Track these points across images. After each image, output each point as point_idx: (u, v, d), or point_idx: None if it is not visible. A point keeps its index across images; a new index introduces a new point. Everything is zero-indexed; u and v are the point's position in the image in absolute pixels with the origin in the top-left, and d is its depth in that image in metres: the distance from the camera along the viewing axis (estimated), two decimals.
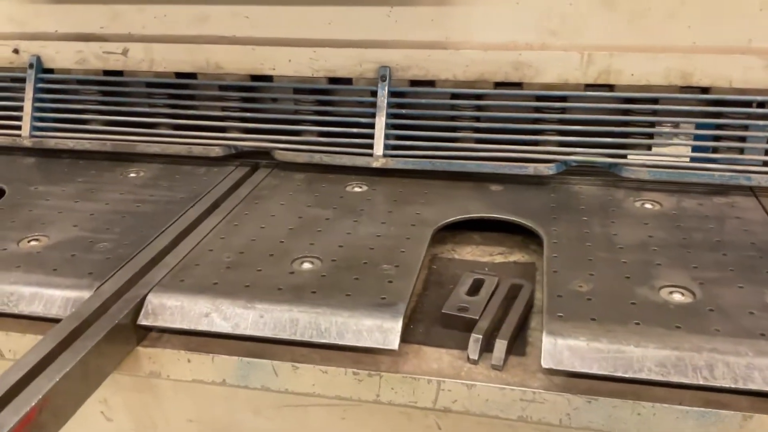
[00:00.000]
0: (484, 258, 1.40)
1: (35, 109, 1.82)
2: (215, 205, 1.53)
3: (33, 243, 1.35)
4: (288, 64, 1.70)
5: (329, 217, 1.45)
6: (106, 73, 1.82)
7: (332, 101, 1.77)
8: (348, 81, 1.70)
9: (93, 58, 1.79)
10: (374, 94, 1.66)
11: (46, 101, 1.84)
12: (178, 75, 1.78)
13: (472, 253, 1.42)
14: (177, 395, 1.26)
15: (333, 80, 1.71)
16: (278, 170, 1.71)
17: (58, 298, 1.18)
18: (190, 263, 1.27)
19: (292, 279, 1.22)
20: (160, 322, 1.14)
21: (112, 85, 1.84)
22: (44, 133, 1.82)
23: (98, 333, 1.07)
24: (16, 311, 1.18)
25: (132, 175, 1.70)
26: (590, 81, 1.57)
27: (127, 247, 1.33)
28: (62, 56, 1.81)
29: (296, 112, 1.76)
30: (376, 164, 1.64)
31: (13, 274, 1.24)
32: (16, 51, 1.83)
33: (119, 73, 1.81)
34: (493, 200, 1.51)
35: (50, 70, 1.84)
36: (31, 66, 1.82)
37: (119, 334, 1.10)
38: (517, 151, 1.60)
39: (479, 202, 1.50)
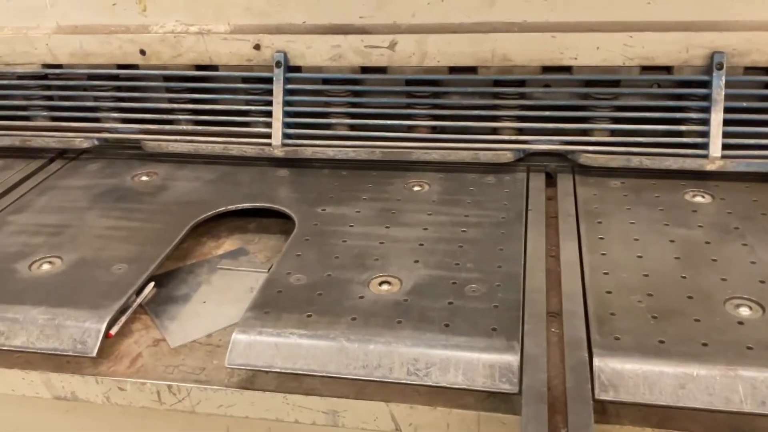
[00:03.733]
0: None
1: (285, 113, 1.61)
2: (549, 225, 1.32)
3: (385, 286, 1.16)
4: (595, 52, 1.45)
5: (708, 240, 1.24)
6: (364, 70, 1.60)
7: (633, 94, 1.53)
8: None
9: (352, 53, 1.56)
10: (703, 84, 1.43)
11: (294, 104, 1.62)
12: (453, 70, 1.55)
13: None
14: None
15: (647, 68, 1.47)
16: (582, 176, 1.49)
17: (478, 364, 0.99)
18: (600, 312, 1.07)
19: (739, 331, 1.01)
20: (623, 396, 0.95)
21: (364, 84, 1.62)
22: (296, 141, 1.61)
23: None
24: (429, 382, 0.99)
25: (417, 188, 1.49)
26: None
27: (504, 290, 1.12)
28: (314, 52, 1.58)
29: (590, 108, 1.52)
30: (711, 167, 1.41)
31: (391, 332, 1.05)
32: (257, 47, 1.60)
33: (382, 69, 1.59)
34: None
35: (296, 68, 1.62)
36: (278, 64, 1.59)
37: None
38: None
39: None
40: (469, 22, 1.51)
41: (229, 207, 1.45)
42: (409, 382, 1.00)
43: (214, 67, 1.65)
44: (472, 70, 1.54)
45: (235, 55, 1.62)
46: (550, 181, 1.50)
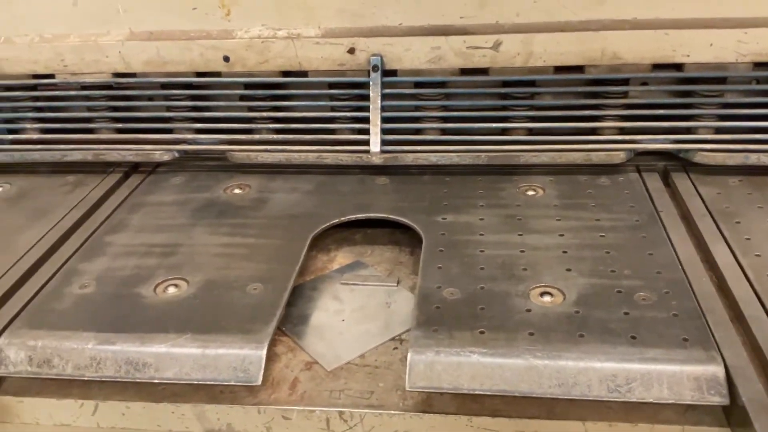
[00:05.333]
0: None
1: (384, 119, 1.55)
2: (694, 235, 1.29)
3: (547, 297, 1.12)
4: (708, 49, 1.43)
5: None
6: (464, 72, 1.55)
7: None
8: None
9: (453, 54, 1.51)
10: None
11: (390, 109, 1.56)
12: (558, 69, 1.51)
13: None
14: None
15: (759, 65, 1.46)
16: (697, 175, 1.45)
17: (682, 377, 0.95)
18: None
19: None
20: None
21: (458, 86, 1.56)
22: (395, 147, 1.55)
23: None
24: (633, 398, 0.95)
25: (531, 192, 1.44)
26: None
27: (674, 297, 1.07)
28: (412, 55, 1.52)
29: (696, 106, 1.49)
30: None
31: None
32: (351, 51, 1.54)
33: (482, 71, 1.54)
34: None
35: (392, 72, 1.56)
36: (374, 68, 1.53)
37: None
38: None
39: None
40: (577, 20, 1.48)
41: (343, 218, 1.39)
42: (611, 399, 0.95)
43: (303, 73, 1.58)
44: (577, 69, 1.50)
45: (326, 60, 1.55)
46: (665, 181, 1.48)
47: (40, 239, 1.36)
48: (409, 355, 1.01)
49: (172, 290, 1.19)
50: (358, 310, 1.23)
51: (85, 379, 1.05)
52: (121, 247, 1.32)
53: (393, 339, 1.16)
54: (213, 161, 1.66)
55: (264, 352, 1.03)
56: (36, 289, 1.21)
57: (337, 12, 1.54)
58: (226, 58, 1.58)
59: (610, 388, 0.96)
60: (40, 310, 1.15)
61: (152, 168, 1.65)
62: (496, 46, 1.49)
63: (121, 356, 1.05)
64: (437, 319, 1.07)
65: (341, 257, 1.40)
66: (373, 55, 1.53)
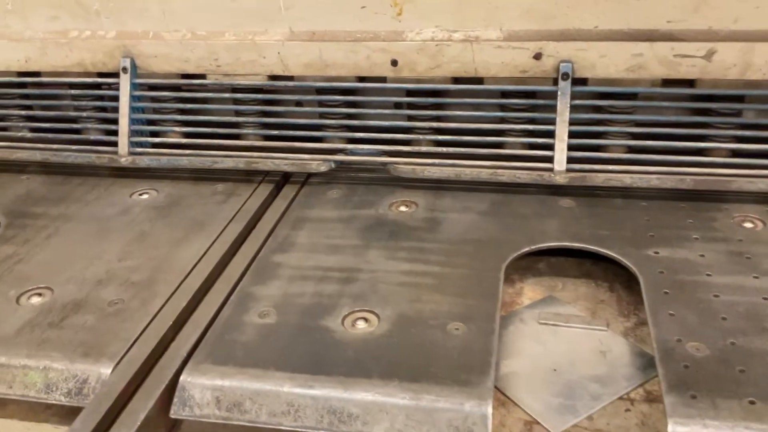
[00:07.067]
0: None
1: (570, 134, 1.39)
2: None
3: None
4: None
5: None
6: (666, 83, 1.37)
7: None
8: None
9: (656, 63, 1.33)
10: None
11: (577, 123, 1.40)
12: None
13: None
14: None
15: None
16: None
17: None
18: None
19: None
20: None
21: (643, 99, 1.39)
22: (582, 166, 1.38)
23: None
24: None
25: (748, 225, 1.24)
26: None
27: None
28: (607, 62, 1.35)
29: None
30: None
31: None
32: (537, 56, 1.38)
33: (688, 82, 1.36)
34: None
35: (581, 81, 1.40)
36: (564, 76, 1.35)
37: None
38: None
39: None
40: None
41: (534, 246, 1.23)
42: None
43: (478, 80, 1.43)
44: None
45: (507, 66, 1.39)
46: None
47: (203, 255, 1.25)
48: (669, 427, 0.85)
49: (361, 325, 1.05)
50: (567, 358, 1.07)
51: (283, 428, 0.92)
52: (294, 269, 1.20)
53: (621, 398, 1.00)
54: (366, 173, 1.53)
55: (490, 410, 0.88)
56: (210, 314, 1.09)
57: (524, 12, 1.37)
58: (394, 62, 1.44)
59: None
60: (221, 341, 1.03)
61: (304, 179, 1.53)
62: (709, 55, 1.30)
63: (323, 404, 0.92)
64: (691, 382, 0.90)
65: (529, 290, 1.25)
66: (563, 61, 1.37)
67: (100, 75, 1.61)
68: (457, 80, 1.46)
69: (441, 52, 1.41)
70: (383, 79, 1.47)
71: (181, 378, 0.96)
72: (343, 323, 1.06)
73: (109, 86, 1.61)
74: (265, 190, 1.49)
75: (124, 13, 1.55)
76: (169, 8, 1.53)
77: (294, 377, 0.94)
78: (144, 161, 1.55)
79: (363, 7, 1.43)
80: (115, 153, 1.56)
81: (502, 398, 1.00)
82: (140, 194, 1.49)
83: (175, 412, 0.94)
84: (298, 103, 1.60)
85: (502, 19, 1.39)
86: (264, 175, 1.54)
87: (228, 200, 1.45)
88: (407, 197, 1.42)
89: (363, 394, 0.92)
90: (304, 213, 1.38)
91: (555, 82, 1.38)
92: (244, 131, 1.58)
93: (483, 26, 1.40)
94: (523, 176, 1.40)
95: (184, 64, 1.55)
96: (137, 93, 1.57)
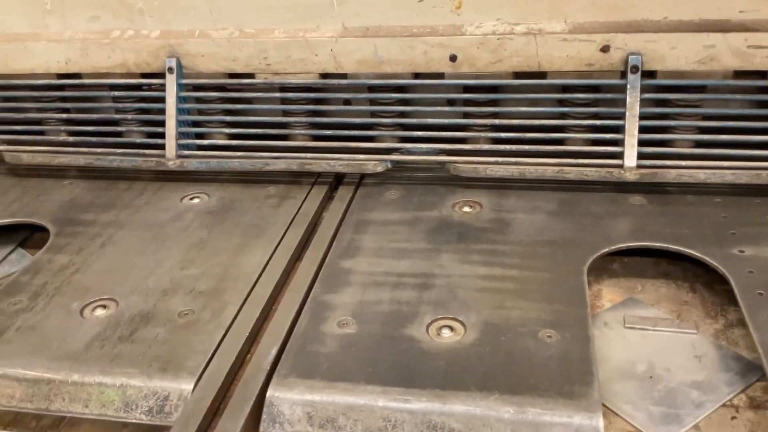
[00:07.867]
0: None
1: (640, 128, 1.34)
2: None
3: None
4: None
5: None
6: (737, 74, 1.32)
7: None
8: None
9: (729, 54, 1.28)
10: None
11: (648, 117, 1.35)
12: None
13: None
14: None
15: None
16: None
17: None
18: None
19: None
20: None
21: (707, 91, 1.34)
22: (654, 161, 1.34)
23: None
24: None
25: None
26: None
27: None
28: (678, 54, 1.30)
29: None
30: None
31: None
32: (605, 48, 1.33)
33: (759, 73, 1.32)
34: None
35: (650, 74, 1.35)
36: (633, 69, 1.30)
37: None
38: None
39: None
40: None
41: (614, 247, 1.19)
42: None
43: (540, 74, 1.39)
44: None
45: (572, 60, 1.35)
46: None
47: (268, 261, 1.20)
48: None
49: (447, 333, 1.01)
50: (661, 364, 1.03)
51: None
52: (365, 275, 1.15)
53: (725, 405, 0.95)
54: (422, 172, 1.48)
55: (601, 423, 0.84)
56: (286, 325, 1.05)
57: (589, 4, 1.33)
58: (453, 57, 1.39)
59: None
60: (303, 353, 0.98)
61: (358, 180, 1.48)
62: None
63: (421, 418, 0.87)
64: None
65: (608, 292, 1.20)
66: (632, 54, 1.32)
67: (144, 76, 1.57)
68: (516, 75, 1.42)
69: (502, 46, 1.37)
70: (440, 76, 1.43)
71: (268, 393, 0.91)
72: (427, 332, 1.01)
73: (150, 87, 1.57)
74: (319, 192, 1.44)
75: (169, 12, 1.50)
76: (217, 5, 1.48)
77: (387, 390, 0.90)
78: (192, 164, 1.50)
79: (420, 1, 1.39)
80: (162, 156, 1.51)
81: (603, 408, 0.96)
82: (191, 198, 1.45)
83: (264, 430, 0.90)
84: (347, 102, 1.56)
85: (567, 11, 1.34)
86: (316, 177, 1.49)
87: (282, 203, 1.40)
88: (469, 197, 1.38)
89: (463, 408, 0.87)
90: (365, 216, 1.34)
91: (622, 75, 1.34)
92: (293, 131, 1.54)
93: (546, 19, 1.35)
94: (591, 173, 1.35)
95: (232, 63, 1.50)
96: (183, 94, 1.53)
